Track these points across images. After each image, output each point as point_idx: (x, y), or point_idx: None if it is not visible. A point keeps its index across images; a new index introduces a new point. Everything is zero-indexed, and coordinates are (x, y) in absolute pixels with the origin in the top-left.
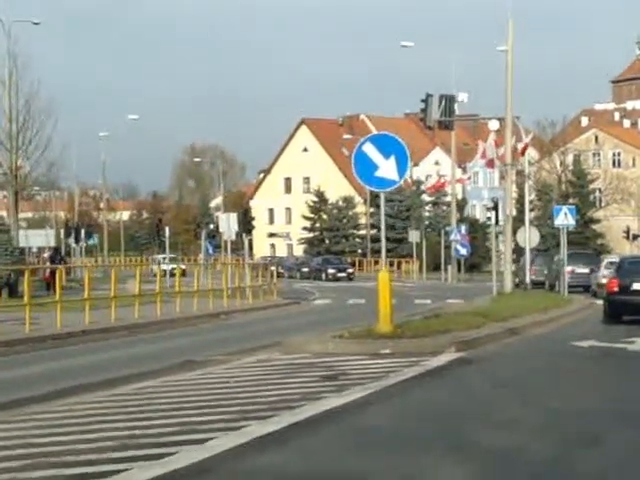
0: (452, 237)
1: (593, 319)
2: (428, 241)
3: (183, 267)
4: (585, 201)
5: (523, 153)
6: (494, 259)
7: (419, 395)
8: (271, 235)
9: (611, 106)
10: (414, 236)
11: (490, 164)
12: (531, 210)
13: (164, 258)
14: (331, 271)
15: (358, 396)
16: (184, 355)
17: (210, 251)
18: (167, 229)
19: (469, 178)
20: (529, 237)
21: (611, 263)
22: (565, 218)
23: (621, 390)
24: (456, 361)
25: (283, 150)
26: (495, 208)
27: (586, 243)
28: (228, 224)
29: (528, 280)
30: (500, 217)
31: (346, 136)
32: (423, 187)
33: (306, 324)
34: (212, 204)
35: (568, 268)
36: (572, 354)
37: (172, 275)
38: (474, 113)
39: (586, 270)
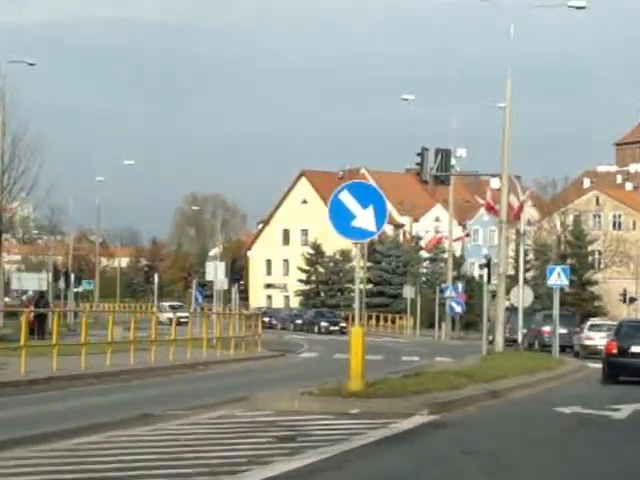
0: (447, 294)
1: (583, 383)
2: (423, 297)
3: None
4: (583, 262)
5: (519, 212)
6: (485, 318)
7: (376, 462)
8: (268, 286)
9: (614, 168)
10: (409, 292)
11: (495, 212)
12: (528, 270)
13: (171, 306)
14: (324, 324)
15: (309, 461)
16: (145, 407)
17: (200, 300)
18: (156, 276)
19: (468, 235)
20: (522, 296)
21: (594, 325)
22: (558, 278)
23: (596, 464)
24: (428, 425)
25: (282, 201)
26: (487, 265)
27: (581, 305)
28: (215, 273)
29: (520, 340)
30: (494, 275)
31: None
32: (421, 243)
33: (283, 378)
34: (211, 253)
35: (546, 328)
36: (552, 420)
37: (179, 324)
38: (474, 170)
39: (564, 330)
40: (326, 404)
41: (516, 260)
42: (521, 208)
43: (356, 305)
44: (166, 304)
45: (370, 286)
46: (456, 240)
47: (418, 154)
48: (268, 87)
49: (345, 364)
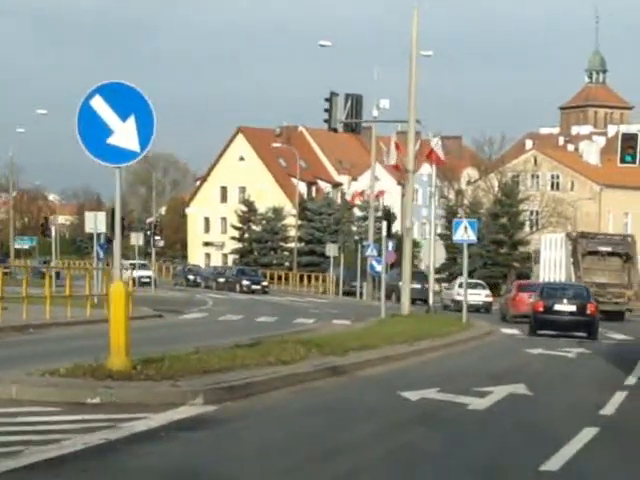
0: (368, 253)
1: (471, 354)
2: (349, 256)
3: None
4: (514, 222)
5: (430, 159)
6: (383, 277)
7: None
8: (206, 244)
9: (556, 130)
10: (332, 250)
11: (395, 168)
12: None
13: (132, 264)
14: (245, 283)
15: None
16: None
17: (101, 255)
18: (53, 229)
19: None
20: (433, 254)
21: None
22: (465, 233)
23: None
24: (187, 421)
25: (220, 158)
26: (387, 218)
27: (512, 265)
28: (95, 224)
29: (431, 301)
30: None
31: (275, 144)
32: (347, 197)
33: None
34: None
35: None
36: (382, 412)
37: (143, 284)
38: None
39: (418, 286)
40: (62, 390)
41: (448, 220)
42: (431, 156)
43: (116, 253)
44: (127, 262)
45: (302, 245)
46: (378, 194)
47: (326, 99)
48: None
49: (234, 325)
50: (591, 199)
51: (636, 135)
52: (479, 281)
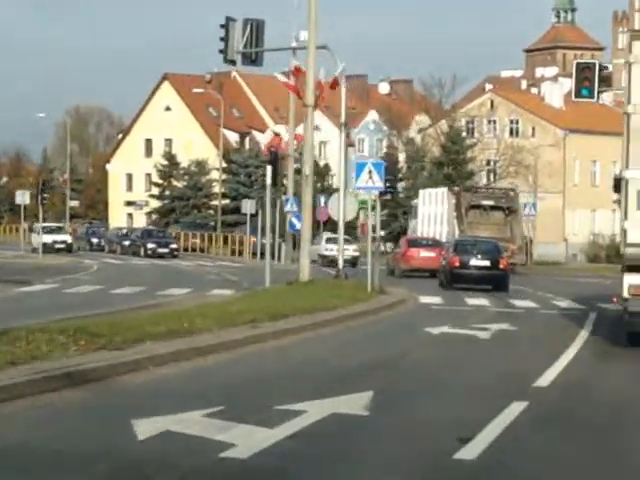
0: (287, 208)
1: (337, 341)
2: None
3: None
4: (461, 171)
5: (333, 88)
6: (268, 235)
7: None
8: (128, 204)
9: (518, 73)
10: (248, 207)
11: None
12: (400, 179)
13: (46, 228)
14: (151, 246)
15: None
16: None
17: None
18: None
19: (352, 145)
20: (343, 208)
21: (329, 239)
22: (370, 179)
23: None
24: None
25: (144, 108)
26: (273, 162)
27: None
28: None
29: (341, 264)
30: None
31: (198, 90)
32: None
33: None
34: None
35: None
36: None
37: (58, 250)
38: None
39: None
40: None
41: (393, 175)
42: (335, 86)
43: None
44: (39, 225)
45: (227, 202)
46: (296, 138)
47: (222, 26)
48: None
49: (68, 300)
50: (554, 146)
51: (593, 64)
52: (335, 235)
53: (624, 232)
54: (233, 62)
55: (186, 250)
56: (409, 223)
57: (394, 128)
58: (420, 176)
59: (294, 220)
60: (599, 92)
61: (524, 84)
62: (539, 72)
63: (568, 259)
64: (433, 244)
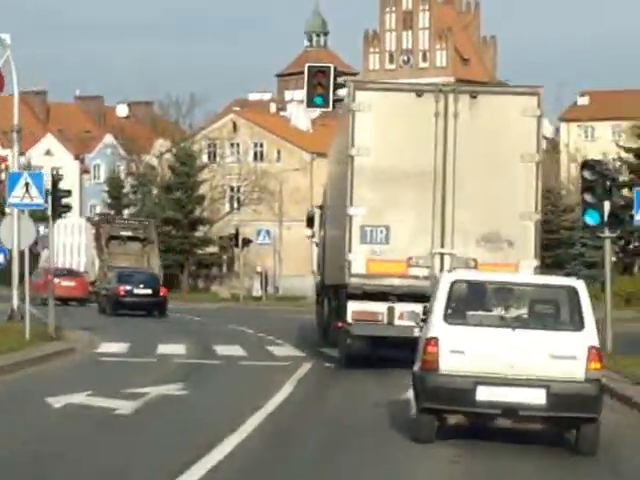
0: None
1: None
2: None
3: None
4: (192, 195)
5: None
6: None
7: None
8: None
9: (267, 96)
10: None
11: None
12: (127, 206)
13: None
14: None
15: None
16: None
17: None
18: None
19: (87, 171)
20: (19, 233)
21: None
22: (26, 193)
23: None
24: None
25: None
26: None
27: (191, 251)
28: None
29: (15, 303)
30: None
31: None
32: None
33: None
34: None
35: None
36: None
37: None
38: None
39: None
40: None
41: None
42: None
43: None
44: None
45: None
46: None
47: None
48: None
49: None
50: (299, 170)
51: (328, 68)
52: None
53: (348, 263)
54: None
55: None
56: (41, 253)
57: (133, 152)
58: (148, 201)
59: None
60: (335, 101)
61: (273, 107)
62: (288, 95)
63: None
64: (73, 274)
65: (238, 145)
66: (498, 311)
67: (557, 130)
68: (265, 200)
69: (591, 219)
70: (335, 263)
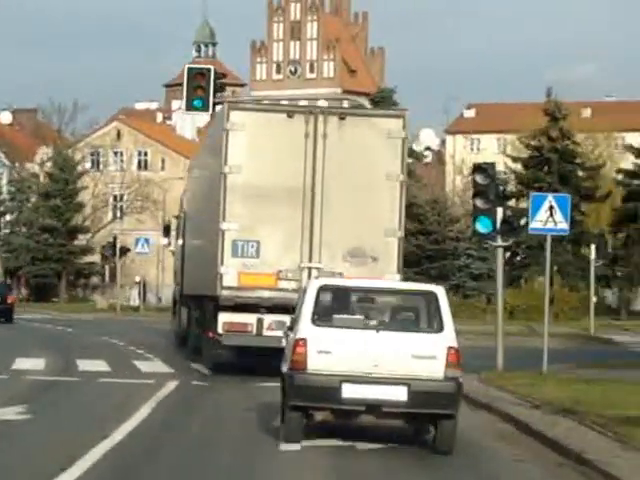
0: None
1: None
2: None
3: None
4: (70, 202)
5: None
6: None
7: None
8: None
9: (154, 105)
10: None
11: None
12: (2, 214)
13: None
14: None
15: None
16: None
17: None
18: None
19: None
20: None
21: None
22: None
23: None
24: None
25: None
26: None
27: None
28: None
29: None
30: None
31: None
32: None
33: None
34: None
35: None
36: None
37: None
38: None
39: None
40: None
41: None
42: None
43: None
44: None
45: None
46: None
47: None
48: None
49: None
50: (182, 178)
51: (208, 70)
52: None
53: (220, 276)
54: None
55: None
56: None
57: (15, 160)
58: (26, 208)
59: None
60: (215, 104)
61: (160, 117)
62: (176, 105)
63: None
64: None
65: (122, 153)
66: (363, 314)
67: (443, 142)
68: (149, 209)
69: (483, 226)
70: (200, 274)
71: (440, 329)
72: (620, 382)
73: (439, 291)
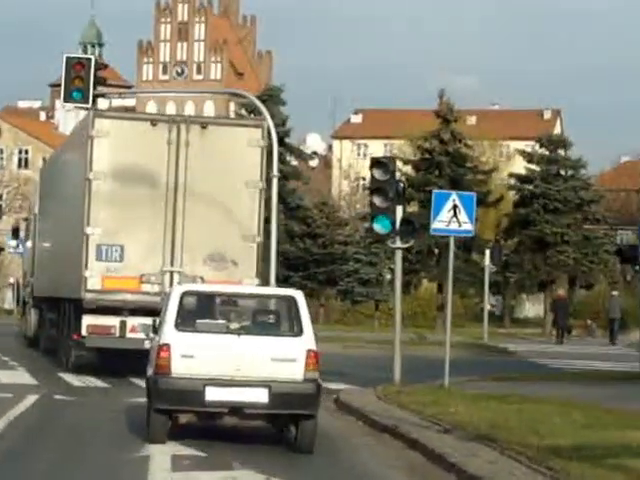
0: None
1: None
2: None
3: None
4: None
5: None
6: None
7: None
8: None
9: (37, 104)
10: None
11: None
12: None
13: None
14: None
15: None
16: None
17: None
18: None
19: None
20: None
21: None
22: None
23: None
24: None
25: None
26: None
27: None
28: None
29: None
30: None
31: None
32: None
33: None
34: None
35: None
36: None
37: None
38: None
39: None
40: None
41: None
42: None
43: None
44: None
45: None
46: None
47: None
48: None
49: None
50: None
51: (88, 60)
52: None
53: (84, 279)
54: None
55: None
56: None
57: None
58: None
59: None
60: (95, 96)
61: (43, 115)
62: (59, 104)
63: None
64: None
65: (2, 151)
66: (225, 319)
67: (330, 147)
68: (24, 208)
69: (381, 226)
70: (60, 277)
71: (300, 333)
72: (535, 400)
73: (298, 296)
